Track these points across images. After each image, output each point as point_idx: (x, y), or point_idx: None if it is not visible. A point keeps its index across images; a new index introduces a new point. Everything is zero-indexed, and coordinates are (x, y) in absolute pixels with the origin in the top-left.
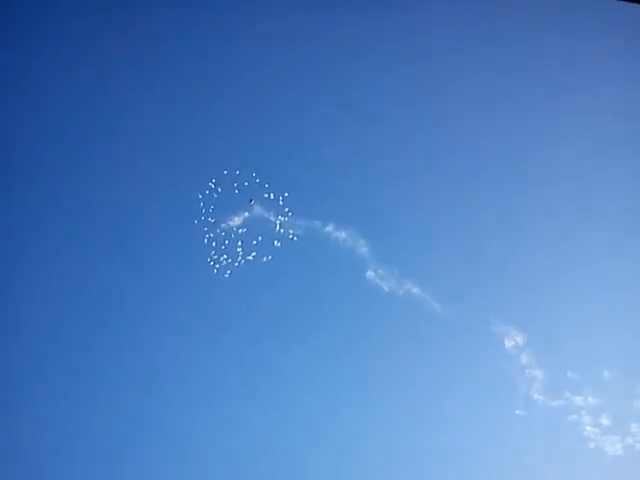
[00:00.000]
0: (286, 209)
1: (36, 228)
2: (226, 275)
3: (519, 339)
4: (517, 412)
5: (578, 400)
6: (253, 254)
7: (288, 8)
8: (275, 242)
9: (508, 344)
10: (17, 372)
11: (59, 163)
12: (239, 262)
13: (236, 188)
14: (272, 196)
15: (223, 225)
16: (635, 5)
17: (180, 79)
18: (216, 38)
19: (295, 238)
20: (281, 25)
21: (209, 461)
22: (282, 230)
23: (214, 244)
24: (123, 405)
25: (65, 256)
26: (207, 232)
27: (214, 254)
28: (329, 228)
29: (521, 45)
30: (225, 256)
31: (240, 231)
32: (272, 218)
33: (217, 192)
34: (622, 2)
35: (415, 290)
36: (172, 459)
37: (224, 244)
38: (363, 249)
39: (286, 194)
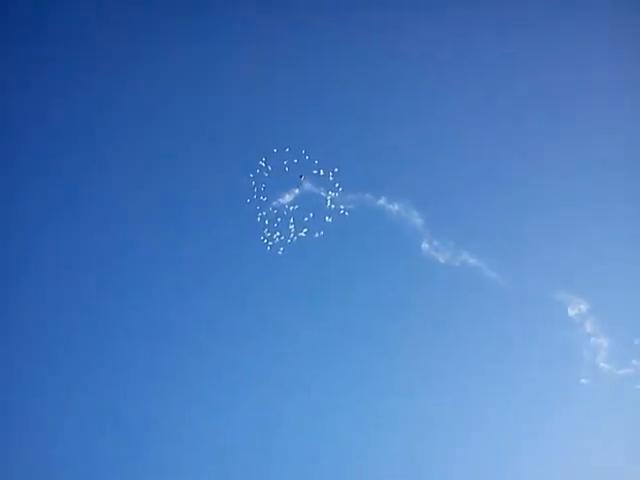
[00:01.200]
0: (336, 184)
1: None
2: (279, 252)
3: (583, 306)
4: (582, 381)
5: None
6: (305, 230)
7: None
8: (327, 218)
9: (572, 312)
10: (17, 372)
11: (114, 150)
12: (292, 239)
13: (286, 166)
14: (322, 172)
15: (275, 203)
16: None
17: (228, 61)
18: (264, 18)
19: (346, 213)
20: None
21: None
22: (333, 205)
23: (266, 222)
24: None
25: (121, 238)
26: (259, 211)
27: (267, 232)
28: (381, 201)
29: None
30: (278, 233)
31: (291, 208)
32: (323, 194)
33: (267, 171)
34: None
35: (472, 260)
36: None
37: (276, 222)
38: (417, 220)
39: (336, 169)
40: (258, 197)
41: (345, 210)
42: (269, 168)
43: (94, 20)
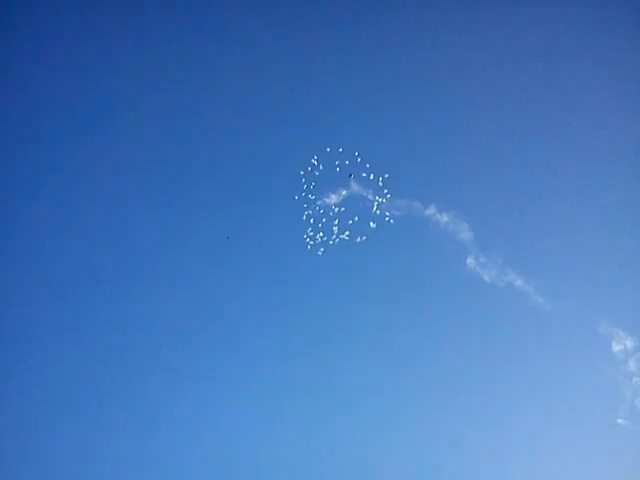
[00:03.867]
0: (385, 190)
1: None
2: (319, 253)
3: (629, 343)
4: (619, 421)
5: None
6: (347, 233)
7: None
8: (371, 223)
9: (616, 347)
10: (18, 373)
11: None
12: (334, 241)
13: (337, 166)
14: (372, 176)
15: (322, 202)
16: None
17: (283, 61)
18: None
19: (391, 220)
20: None
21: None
22: (379, 211)
23: (312, 221)
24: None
25: (154, 234)
26: (306, 209)
27: (310, 231)
28: (430, 210)
29: None
30: (321, 234)
31: (337, 209)
32: (370, 197)
33: (319, 169)
34: None
35: (519, 282)
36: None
37: (321, 222)
38: (466, 234)
39: (386, 175)
40: (307, 195)
41: (390, 217)
42: (320, 167)
43: (111, 24)
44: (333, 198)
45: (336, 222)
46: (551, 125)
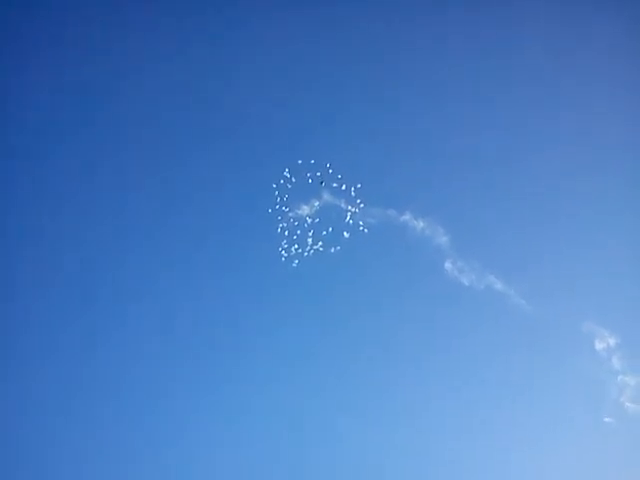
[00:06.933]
0: (358, 200)
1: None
2: (294, 265)
3: (611, 341)
4: (606, 419)
5: None
6: (320, 244)
7: None
8: (345, 233)
9: (599, 346)
10: (18, 372)
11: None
12: (308, 252)
13: (309, 178)
14: (344, 187)
15: (296, 214)
16: None
17: (256, 73)
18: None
19: (366, 230)
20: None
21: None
22: (351, 221)
23: (286, 233)
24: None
25: (141, 251)
26: (280, 221)
27: (285, 243)
28: (405, 216)
29: None
30: (296, 246)
31: (311, 221)
32: (344, 207)
33: (291, 182)
34: None
35: (498, 285)
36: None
37: (295, 234)
38: (442, 239)
39: (359, 185)
40: (280, 207)
41: (364, 226)
42: (293, 179)
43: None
44: (306, 209)
45: (310, 233)
46: (524, 127)
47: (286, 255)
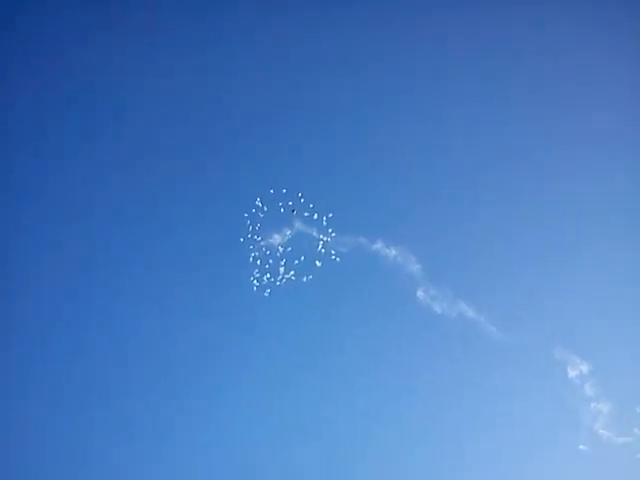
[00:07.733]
0: (330, 229)
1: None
2: (266, 294)
3: (584, 368)
4: (580, 447)
5: None
6: (292, 273)
7: None
8: (317, 262)
9: (572, 373)
10: (18, 374)
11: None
12: (280, 281)
13: (281, 207)
14: (316, 216)
15: (268, 243)
16: None
17: (227, 97)
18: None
19: (337, 258)
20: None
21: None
22: (323, 250)
23: (258, 262)
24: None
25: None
26: (252, 250)
27: (257, 272)
28: (377, 245)
29: None
30: (268, 275)
31: (283, 250)
32: (315, 236)
33: (263, 211)
34: None
35: (470, 313)
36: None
37: (268, 263)
38: (414, 267)
39: (330, 215)
40: (252, 236)
41: (336, 255)
42: (265, 208)
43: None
44: (278, 239)
45: (282, 262)
46: (495, 154)
47: (258, 284)
